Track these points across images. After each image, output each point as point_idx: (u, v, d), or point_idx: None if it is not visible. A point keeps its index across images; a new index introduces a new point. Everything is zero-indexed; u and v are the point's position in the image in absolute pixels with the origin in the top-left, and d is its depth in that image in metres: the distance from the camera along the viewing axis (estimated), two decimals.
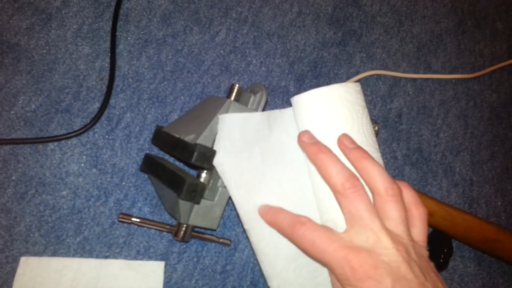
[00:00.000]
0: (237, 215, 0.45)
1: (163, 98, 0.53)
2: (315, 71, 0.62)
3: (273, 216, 0.41)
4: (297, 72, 0.61)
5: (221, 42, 0.58)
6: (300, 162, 0.44)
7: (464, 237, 0.57)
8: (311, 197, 0.43)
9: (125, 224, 0.47)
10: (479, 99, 0.70)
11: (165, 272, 0.46)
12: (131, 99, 0.52)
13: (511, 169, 0.67)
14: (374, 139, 0.43)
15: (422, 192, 0.57)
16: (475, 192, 0.64)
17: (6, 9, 0.51)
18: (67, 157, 0.48)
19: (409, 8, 0.72)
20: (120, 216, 0.45)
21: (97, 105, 0.51)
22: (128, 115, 0.51)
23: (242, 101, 0.48)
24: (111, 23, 0.54)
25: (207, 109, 0.46)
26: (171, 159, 0.51)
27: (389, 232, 0.36)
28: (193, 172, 0.50)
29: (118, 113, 0.51)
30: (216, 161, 0.42)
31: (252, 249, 0.49)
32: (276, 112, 0.45)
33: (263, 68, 0.59)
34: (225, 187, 0.46)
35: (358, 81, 0.63)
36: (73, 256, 0.45)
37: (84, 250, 0.45)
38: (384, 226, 0.36)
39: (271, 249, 0.42)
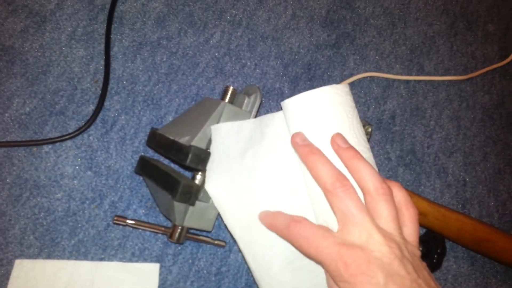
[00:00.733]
0: (224, 223, 0.45)
1: (158, 100, 0.53)
2: (309, 73, 0.62)
3: (271, 219, 0.41)
4: (291, 74, 0.61)
5: (215, 44, 0.58)
6: (293, 165, 0.44)
7: (457, 237, 0.57)
8: (306, 199, 0.43)
9: (120, 226, 0.47)
10: (472, 100, 0.71)
11: (160, 274, 0.46)
12: (125, 102, 0.52)
13: (504, 170, 0.68)
14: (365, 139, 0.43)
15: (415, 193, 0.57)
16: (468, 193, 0.64)
17: (0, 12, 0.51)
18: (61, 160, 0.48)
19: (402, 10, 0.73)
20: (115, 218, 0.44)
21: (91, 107, 0.50)
22: (123, 117, 0.51)
23: (236, 103, 0.48)
24: (105, 25, 0.54)
25: (201, 111, 0.46)
26: (166, 161, 0.51)
27: (381, 230, 0.36)
28: (188, 174, 0.50)
29: (112, 115, 0.51)
30: (209, 174, 0.42)
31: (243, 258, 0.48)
32: (268, 117, 0.45)
33: (257, 70, 0.59)
34: None
35: (351, 83, 0.63)
36: (68, 258, 0.45)
37: (79, 252, 0.45)
38: (376, 223, 0.36)
39: (265, 255, 0.42)
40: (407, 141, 0.64)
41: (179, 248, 0.48)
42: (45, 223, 0.45)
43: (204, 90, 0.56)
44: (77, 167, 0.48)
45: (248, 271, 0.50)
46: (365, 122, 0.56)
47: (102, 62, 0.53)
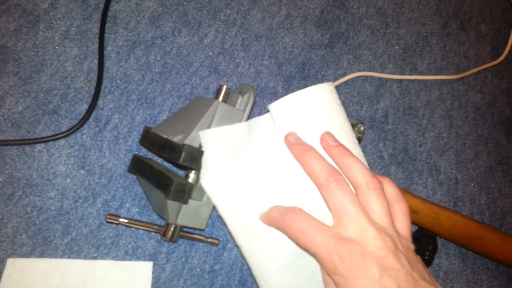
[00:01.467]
0: (226, 227, 0.44)
1: (152, 99, 0.53)
2: (303, 72, 0.61)
3: (268, 212, 0.41)
4: (285, 73, 0.60)
5: (209, 43, 0.58)
6: (285, 165, 0.43)
7: (448, 234, 0.56)
8: (300, 198, 0.43)
9: (113, 225, 0.46)
10: (464, 99, 0.70)
11: (153, 272, 0.46)
12: (119, 101, 0.51)
13: (495, 168, 0.68)
14: (354, 135, 0.43)
15: (407, 191, 0.56)
16: (460, 191, 0.64)
17: None
18: (54, 159, 0.47)
19: (395, 10, 0.72)
20: (108, 217, 0.44)
21: (85, 106, 0.50)
22: (116, 116, 0.51)
23: (230, 102, 0.47)
24: (99, 24, 0.53)
25: (195, 110, 0.45)
26: (159, 160, 0.50)
27: (374, 224, 0.36)
28: (181, 173, 0.49)
29: (106, 114, 0.50)
30: (203, 180, 0.42)
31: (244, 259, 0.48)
32: (254, 121, 0.45)
33: (251, 70, 0.59)
34: None
35: (345, 82, 0.63)
36: (61, 257, 0.44)
37: (72, 251, 0.45)
38: (369, 217, 0.36)
39: (265, 256, 0.41)
40: (399, 139, 0.63)
41: (173, 246, 0.48)
42: (37, 222, 0.45)
43: (198, 89, 0.55)
44: (70, 166, 0.47)
45: (242, 269, 0.49)
46: (358, 120, 0.55)
47: (96, 61, 0.52)
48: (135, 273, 0.45)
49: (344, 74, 0.63)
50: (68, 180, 0.47)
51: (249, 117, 0.47)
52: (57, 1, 0.53)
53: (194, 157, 0.41)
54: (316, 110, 0.41)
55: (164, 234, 0.44)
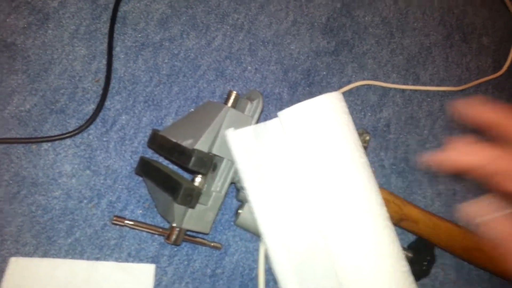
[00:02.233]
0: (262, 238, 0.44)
1: (159, 101, 0.52)
2: (308, 79, 0.61)
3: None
4: (290, 79, 0.60)
5: (217, 47, 0.58)
6: (292, 170, 0.43)
7: (446, 245, 0.57)
8: (308, 202, 0.43)
9: (117, 226, 0.46)
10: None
11: (155, 275, 0.46)
12: (126, 102, 0.51)
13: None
14: (361, 144, 0.43)
15: (407, 201, 0.56)
16: (458, 202, 0.64)
17: (2, 8, 0.50)
18: (60, 158, 0.47)
19: (400, 20, 0.72)
20: (114, 218, 0.44)
21: (92, 106, 0.49)
22: (123, 117, 0.50)
23: (238, 108, 0.47)
24: (108, 25, 0.53)
25: (204, 115, 0.45)
26: (165, 163, 0.50)
27: None
28: (187, 176, 0.49)
29: (113, 115, 0.50)
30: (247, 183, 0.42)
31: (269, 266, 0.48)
32: (261, 126, 0.45)
33: (258, 75, 0.58)
34: (219, 191, 0.45)
35: (349, 90, 0.63)
36: (64, 257, 0.44)
37: (75, 251, 0.44)
38: None
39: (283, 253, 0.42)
40: (400, 149, 0.64)
41: (175, 249, 0.47)
42: (42, 221, 0.44)
43: (204, 92, 0.55)
44: (75, 166, 0.47)
45: (243, 274, 0.49)
46: (363, 130, 0.55)
47: (104, 62, 0.51)
48: (137, 275, 0.45)
49: (349, 82, 0.63)
50: (73, 180, 0.46)
51: (256, 123, 0.47)
52: (67, 0, 0.53)
53: (204, 162, 0.41)
54: (325, 119, 0.41)
55: (168, 237, 0.44)
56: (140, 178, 0.49)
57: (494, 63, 0.77)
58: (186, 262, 0.47)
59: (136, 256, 0.46)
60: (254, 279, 0.49)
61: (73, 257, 0.44)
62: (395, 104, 0.66)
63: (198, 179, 0.45)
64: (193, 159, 0.41)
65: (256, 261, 0.50)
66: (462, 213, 0.30)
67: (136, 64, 0.53)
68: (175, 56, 0.55)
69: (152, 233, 0.46)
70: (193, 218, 0.44)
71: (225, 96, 0.54)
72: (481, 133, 0.31)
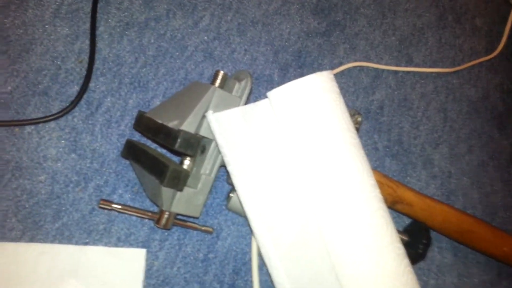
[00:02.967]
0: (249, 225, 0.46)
1: (145, 83, 0.53)
2: (299, 60, 0.63)
3: None
4: (281, 61, 0.62)
5: (204, 28, 0.59)
6: (284, 152, 0.45)
7: (441, 227, 0.59)
8: (299, 186, 0.44)
9: (106, 211, 0.47)
10: (458, 93, 0.73)
11: (146, 260, 0.47)
12: (111, 83, 0.52)
13: (487, 162, 0.71)
14: (353, 125, 0.45)
15: (402, 183, 0.59)
16: (453, 184, 0.67)
17: None
18: (44, 141, 0.48)
19: (392, 0, 0.74)
20: (101, 202, 0.45)
21: (76, 88, 0.50)
22: (109, 99, 0.51)
23: (226, 88, 0.48)
24: (91, 4, 0.54)
25: (191, 95, 0.46)
26: (153, 146, 0.51)
27: None
28: (176, 159, 0.50)
29: (98, 97, 0.51)
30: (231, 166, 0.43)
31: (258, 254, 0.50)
32: (251, 106, 0.46)
33: (247, 56, 0.60)
34: (208, 174, 0.47)
35: (341, 72, 0.65)
36: (52, 242, 0.45)
37: (63, 236, 0.45)
38: None
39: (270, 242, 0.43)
40: (394, 131, 0.66)
41: (166, 233, 0.49)
42: (27, 206, 0.45)
43: (192, 74, 0.56)
44: (60, 149, 0.48)
45: (236, 258, 0.51)
46: (355, 111, 0.57)
47: (87, 42, 0.52)
48: (127, 260, 0.46)
49: (341, 64, 0.65)
50: (59, 164, 0.47)
51: (246, 104, 0.48)
52: None
53: (190, 143, 0.43)
54: (316, 99, 0.43)
55: (157, 221, 0.45)
56: (128, 162, 0.50)
57: (487, 44, 0.80)
58: (177, 247, 0.49)
59: (126, 241, 0.47)
60: (248, 263, 0.51)
61: (60, 242, 0.45)
62: (388, 86, 0.68)
63: (187, 162, 0.47)
64: (179, 140, 0.42)
65: (249, 245, 0.52)
66: None
67: (121, 45, 0.54)
68: (161, 37, 0.56)
69: (142, 217, 0.48)
70: (182, 202, 0.45)
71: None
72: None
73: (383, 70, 0.68)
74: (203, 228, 0.49)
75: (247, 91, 0.48)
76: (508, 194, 0.70)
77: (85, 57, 0.52)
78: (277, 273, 0.43)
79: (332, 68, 0.65)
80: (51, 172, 0.47)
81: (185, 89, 0.49)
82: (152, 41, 0.56)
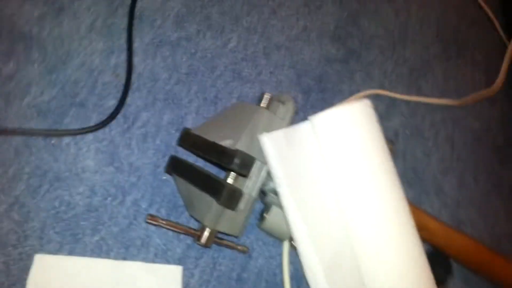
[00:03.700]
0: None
1: (178, 100, 0.57)
2: (320, 85, 0.68)
3: None
4: (304, 85, 0.67)
5: (233, 49, 0.64)
6: (324, 175, 0.49)
7: (460, 257, 0.63)
8: (337, 208, 0.48)
9: (143, 225, 0.49)
10: (463, 125, 0.80)
11: (182, 277, 0.49)
12: (146, 99, 0.55)
13: (492, 192, 0.77)
14: (389, 152, 0.50)
15: (421, 208, 0.64)
16: (462, 214, 0.73)
17: None
18: (82, 153, 0.50)
19: (400, 32, 0.82)
20: (148, 217, 0.47)
21: (112, 102, 0.53)
22: (144, 114, 0.54)
23: (271, 110, 0.52)
24: (125, 20, 0.57)
25: (238, 115, 0.50)
26: (193, 160, 0.54)
27: None
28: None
29: (134, 111, 0.54)
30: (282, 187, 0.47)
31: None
32: (295, 128, 0.50)
33: (273, 78, 0.65)
34: (250, 194, 0.50)
35: (359, 98, 0.71)
36: (90, 256, 0.46)
37: (101, 250, 0.47)
38: None
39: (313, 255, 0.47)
40: (409, 159, 0.72)
41: (201, 251, 0.51)
42: (65, 218, 0.47)
43: (222, 93, 0.60)
44: (98, 162, 0.50)
45: (267, 280, 0.53)
46: (388, 139, 0.62)
47: (123, 57, 0.56)
48: (165, 277, 0.48)
49: (358, 90, 0.71)
50: (97, 176, 0.50)
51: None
52: None
53: (246, 164, 0.46)
54: (359, 126, 0.47)
55: (199, 239, 0.48)
56: (163, 178, 0.53)
57: (487, 78, 0.88)
58: (212, 265, 0.51)
59: (162, 257, 0.49)
60: (279, 285, 0.54)
61: (99, 256, 0.47)
62: (402, 114, 0.74)
63: (230, 181, 0.50)
64: (236, 160, 0.45)
65: (279, 266, 0.55)
66: None
67: (155, 61, 0.58)
68: (192, 56, 0.60)
69: (184, 234, 0.50)
70: (226, 220, 0.48)
71: (242, 97, 0.61)
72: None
73: (395, 99, 0.75)
74: (239, 247, 0.52)
75: (290, 114, 0.52)
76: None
77: (121, 72, 0.55)
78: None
79: (351, 94, 0.70)
80: (89, 184, 0.49)
81: (231, 109, 0.53)
82: (184, 59, 0.60)
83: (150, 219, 0.47)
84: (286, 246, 0.54)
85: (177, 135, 0.55)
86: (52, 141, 0.49)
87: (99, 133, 0.51)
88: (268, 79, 0.64)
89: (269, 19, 0.69)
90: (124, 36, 0.57)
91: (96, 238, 0.47)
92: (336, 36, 0.73)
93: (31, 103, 0.50)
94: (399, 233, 0.48)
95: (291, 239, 0.52)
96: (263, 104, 0.51)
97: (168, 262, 0.49)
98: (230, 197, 0.46)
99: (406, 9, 0.83)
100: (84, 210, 0.48)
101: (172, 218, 0.51)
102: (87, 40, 0.55)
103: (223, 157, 0.46)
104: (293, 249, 0.53)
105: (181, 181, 0.49)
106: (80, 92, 0.52)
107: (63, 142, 0.50)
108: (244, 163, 0.46)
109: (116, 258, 0.47)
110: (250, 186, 0.50)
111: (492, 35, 0.94)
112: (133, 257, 0.48)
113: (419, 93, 0.78)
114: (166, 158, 0.53)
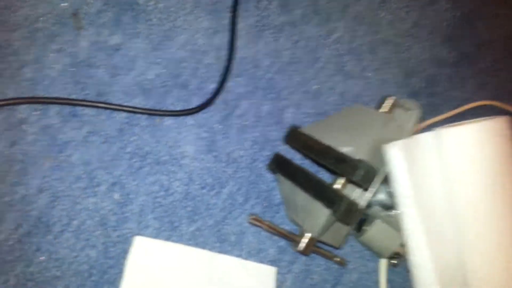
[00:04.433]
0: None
1: (279, 90, 0.60)
2: (430, 88, 0.70)
3: None
4: (411, 86, 0.68)
5: (337, 39, 0.66)
6: (445, 190, 0.50)
7: None
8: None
9: (237, 221, 0.53)
10: None
11: (276, 279, 0.52)
12: (247, 86, 0.58)
13: None
14: None
15: None
16: None
17: None
18: (182, 137, 0.54)
19: None
20: (252, 218, 0.51)
21: (213, 85, 0.56)
22: (244, 102, 0.58)
23: (392, 117, 0.54)
24: None
25: (359, 120, 0.52)
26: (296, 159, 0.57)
27: None
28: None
29: (234, 98, 0.58)
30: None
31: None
32: (413, 139, 0.51)
33: (378, 76, 0.67)
34: (361, 205, 0.52)
35: (471, 109, 0.71)
36: (187, 245, 0.50)
37: (197, 241, 0.51)
38: None
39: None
40: None
41: (294, 256, 0.54)
42: (164, 204, 0.51)
43: (324, 87, 0.62)
44: (198, 148, 0.54)
45: None
46: None
47: (226, 38, 0.59)
48: (259, 276, 0.51)
49: (469, 99, 0.72)
50: (196, 163, 0.53)
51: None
52: None
53: (368, 176, 0.47)
54: (493, 145, 0.49)
55: (297, 245, 0.50)
56: (259, 173, 0.55)
57: None
58: (305, 272, 0.54)
59: (256, 256, 0.52)
60: None
61: (195, 247, 0.50)
62: None
63: (337, 187, 0.51)
64: (359, 171, 0.46)
65: (376, 283, 0.56)
66: None
67: (257, 46, 0.61)
68: (295, 44, 0.63)
69: (285, 239, 0.53)
70: (332, 231, 0.51)
71: (345, 94, 0.63)
72: None
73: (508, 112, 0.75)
74: (339, 259, 0.54)
75: (413, 123, 0.53)
76: None
77: (223, 54, 0.58)
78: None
79: (462, 102, 0.71)
80: (188, 171, 0.53)
81: (347, 112, 0.56)
82: (287, 47, 0.62)
83: (254, 220, 0.51)
84: (383, 264, 0.56)
85: (275, 128, 0.58)
86: (157, 120, 0.53)
87: (199, 118, 0.55)
88: (372, 76, 0.66)
89: (378, 10, 0.70)
90: (228, 16, 0.60)
91: (192, 228, 0.51)
92: (447, 37, 0.74)
93: (136, 79, 0.54)
94: None
95: (391, 257, 0.54)
96: (385, 109, 0.53)
97: (261, 262, 0.53)
98: (348, 212, 0.47)
99: None
100: (182, 198, 0.52)
101: (267, 217, 0.54)
102: (192, 17, 0.59)
103: (343, 166, 0.48)
104: (392, 267, 0.55)
105: (286, 182, 0.52)
106: (183, 72, 0.56)
107: (164, 124, 0.53)
108: (367, 176, 0.47)
109: (211, 250, 0.51)
110: (359, 196, 0.52)
111: None
112: (227, 252, 0.52)
113: None
114: (264, 152, 0.56)
